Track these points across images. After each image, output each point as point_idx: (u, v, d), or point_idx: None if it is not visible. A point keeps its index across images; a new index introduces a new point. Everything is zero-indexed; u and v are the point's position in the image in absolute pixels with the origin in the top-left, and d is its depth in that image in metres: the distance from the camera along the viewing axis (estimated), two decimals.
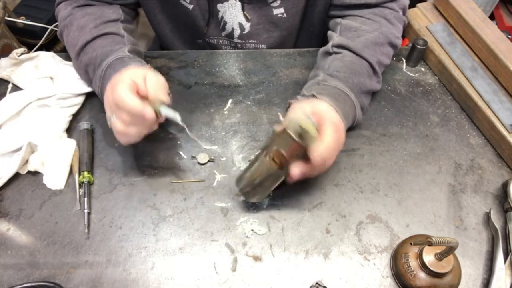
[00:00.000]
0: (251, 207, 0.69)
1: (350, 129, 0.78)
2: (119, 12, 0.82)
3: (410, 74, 0.89)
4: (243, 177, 0.64)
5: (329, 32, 0.84)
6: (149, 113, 0.60)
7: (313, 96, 0.69)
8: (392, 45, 0.80)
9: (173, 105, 0.80)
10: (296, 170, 0.60)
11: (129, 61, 0.71)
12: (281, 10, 0.86)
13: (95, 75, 0.73)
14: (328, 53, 0.80)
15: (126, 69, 0.65)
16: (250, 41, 0.94)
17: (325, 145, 0.59)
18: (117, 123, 0.62)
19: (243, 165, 0.74)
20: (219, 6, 0.86)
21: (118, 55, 0.72)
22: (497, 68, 0.81)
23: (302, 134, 0.56)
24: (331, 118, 0.62)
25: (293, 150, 0.58)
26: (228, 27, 0.91)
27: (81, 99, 0.81)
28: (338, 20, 0.84)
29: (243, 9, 0.86)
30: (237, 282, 0.62)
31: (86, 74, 0.77)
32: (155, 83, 0.63)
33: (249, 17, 0.87)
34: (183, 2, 0.86)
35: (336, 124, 0.62)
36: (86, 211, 0.67)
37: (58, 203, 0.69)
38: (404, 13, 0.84)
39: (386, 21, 0.80)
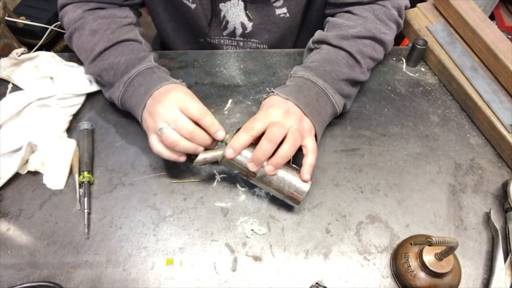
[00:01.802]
0: (251, 207, 0.69)
1: (350, 129, 0.79)
2: (130, 15, 0.81)
3: (410, 74, 0.89)
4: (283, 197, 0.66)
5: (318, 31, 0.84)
6: (221, 134, 0.64)
7: (273, 92, 0.70)
8: (377, 40, 0.78)
9: None
10: (267, 167, 0.63)
11: (158, 72, 0.72)
12: (284, 10, 0.86)
13: (118, 80, 0.73)
14: (310, 49, 0.81)
15: (169, 86, 0.67)
16: (251, 40, 0.94)
17: (266, 137, 0.62)
18: (173, 133, 0.62)
19: None
20: (221, 5, 0.86)
21: (147, 65, 0.72)
22: (497, 68, 0.81)
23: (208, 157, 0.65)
24: (273, 121, 0.64)
25: (235, 163, 0.64)
26: (230, 26, 0.91)
27: (81, 99, 0.81)
28: (328, 18, 0.84)
29: (245, 9, 0.86)
30: (237, 282, 0.62)
31: (99, 77, 0.77)
32: (201, 107, 0.65)
33: (251, 17, 0.87)
34: (186, 2, 0.86)
35: (277, 122, 0.64)
36: (86, 211, 0.67)
37: (58, 203, 0.69)
38: (399, 13, 0.83)
39: (374, 17, 0.79)
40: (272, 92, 0.70)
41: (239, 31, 0.91)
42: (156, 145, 0.64)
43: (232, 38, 0.94)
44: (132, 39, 0.77)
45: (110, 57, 0.74)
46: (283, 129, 0.63)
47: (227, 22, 0.90)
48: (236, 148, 0.62)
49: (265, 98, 0.71)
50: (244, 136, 0.62)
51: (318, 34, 0.80)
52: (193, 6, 0.87)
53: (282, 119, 0.64)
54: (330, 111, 0.73)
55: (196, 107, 0.63)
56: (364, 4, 0.81)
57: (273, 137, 0.62)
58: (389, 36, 0.80)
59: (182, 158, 0.66)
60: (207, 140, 0.64)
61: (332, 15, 0.85)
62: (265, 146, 0.61)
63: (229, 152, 0.62)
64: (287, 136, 0.63)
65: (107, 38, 0.75)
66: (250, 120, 0.65)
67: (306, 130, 0.66)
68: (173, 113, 0.62)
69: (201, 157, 0.64)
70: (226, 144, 0.64)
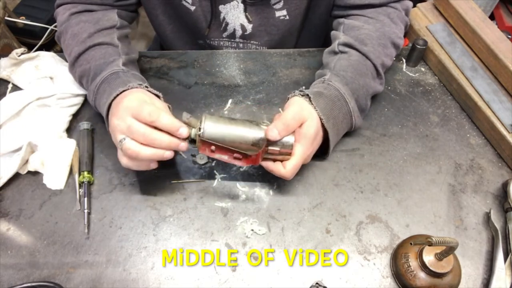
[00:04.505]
0: (251, 207, 0.69)
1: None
2: (114, 18, 0.80)
3: (410, 74, 0.89)
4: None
5: (333, 32, 0.83)
6: (185, 131, 0.59)
7: (308, 96, 0.68)
8: (395, 46, 0.80)
9: (173, 105, 0.80)
10: (264, 163, 0.65)
11: (123, 76, 0.70)
12: (284, 12, 0.86)
13: (89, 88, 0.73)
14: (334, 52, 0.79)
15: (124, 93, 0.64)
16: (251, 41, 0.94)
17: (295, 161, 0.64)
18: (133, 144, 0.59)
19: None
20: (221, 7, 0.86)
21: (112, 70, 0.70)
22: (497, 68, 0.81)
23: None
24: (307, 135, 0.65)
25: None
26: (230, 28, 0.91)
27: (80, 99, 0.81)
28: (341, 20, 0.83)
29: (245, 11, 0.86)
30: (237, 282, 0.62)
31: (80, 84, 0.78)
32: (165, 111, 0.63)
33: (251, 19, 0.87)
34: (185, 4, 0.86)
35: (310, 139, 0.65)
36: (86, 211, 0.67)
37: (58, 203, 0.69)
38: (407, 14, 0.84)
39: (389, 20, 0.80)
40: (307, 95, 0.68)
41: (238, 32, 0.91)
42: (121, 159, 0.62)
43: (232, 40, 0.94)
44: (106, 43, 0.75)
45: (84, 63, 0.74)
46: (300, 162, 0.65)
47: (227, 24, 0.90)
48: (281, 134, 0.62)
49: (295, 95, 0.69)
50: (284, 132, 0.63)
51: (344, 37, 0.78)
52: (192, 8, 0.86)
53: (309, 146, 0.65)
54: (347, 131, 0.75)
55: (147, 109, 0.58)
56: (376, 7, 0.81)
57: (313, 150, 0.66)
58: (402, 40, 0.82)
59: (153, 165, 0.63)
60: (170, 141, 0.59)
61: (341, 17, 0.85)
62: (292, 122, 0.63)
63: (274, 134, 0.61)
64: (294, 164, 0.64)
65: (82, 42, 0.74)
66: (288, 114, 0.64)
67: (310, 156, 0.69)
68: (126, 122, 0.59)
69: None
70: (195, 137, 0.62)
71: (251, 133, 0.62)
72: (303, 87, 0.71)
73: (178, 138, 0.60)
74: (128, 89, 0.65)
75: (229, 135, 0.61)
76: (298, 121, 0.64)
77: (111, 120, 0.63)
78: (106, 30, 0.78)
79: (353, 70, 0.74)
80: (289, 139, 0.64)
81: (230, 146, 0.61)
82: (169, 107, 0.70)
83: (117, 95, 0.65)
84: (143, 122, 0.59)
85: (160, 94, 0.69)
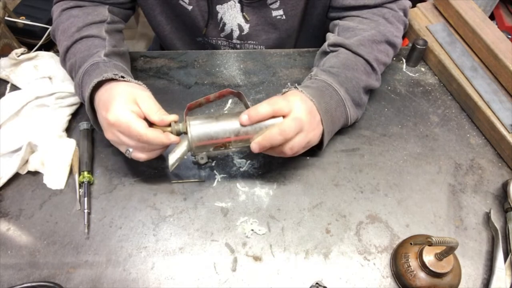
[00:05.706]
0: (251, 207, 0.69)
1: (350, 129, 0.79)
2: (105, 13, 0.79)
3: (410, 74, 0.89)
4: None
5: (328, 34, 0.84)
6: (175, 139, 0.63)
7: (296, 88, 0.69)
8: (390, 43, 0.79)
9: (173, 105, 0.80)
10: (253, 144, 0.63)
11: (103, 66, 0.69)
12: (280, 12, 0.86)
13: (75, 82, 0.73)
14: (325, 53, 0.80)
15: (110, 100, 0.63)
16: (249, 41, 0.94)
17: (281, 127, 0.61)
18: (139, 154, 0.64)
19: (243, 165, 0.74)
20: (218, 7, 0.86)
21: (93, 61, 0.70)
22: (497, 68, 0.81)
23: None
24: (294, 113, 0.63)
25: (209, 145, 0.65)
26: (227, 28, 0.91)
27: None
28: (337, 21, 0.83)
29: (242, 10, 0.86)
30: (237, 282, 0.62)
31: (72, 78, 0.77)
32: (150, 104, 0.64)
33: (248, 18, 0.87)
34: (183, 3, 0.86)
35: (298, 118, 0.63)
36: (86, 211, 0.67)
37: (58, 203, 0.69)
38: (405, 14, 0.84)
39: (384, 20, 0.80)
40: (296, 87, 0.69)
41: (236, 33, 0.91)
42: (138, 159, 0.65)
43: (229, 40, 0.94)
44: (93, 35, 0.75)
45: (71, 57, 0.74)
46: (298, 130, 0.62)
47: (224, 24, 0.90)
48: (253, 118, 0.61)
49: (286, 91, 0.70)
50: (265, 108, 0.61)
51: (334, 38, 0.79)
52: (189, 7, 0.87)
53: (303, 117, 0.63)
54: (343, 122, 0.74)
55: (135, 133, 0.60)
56: (371, 8, 0.81)
57: (286, 133, 0.61)
58: (400, 39, 0.81)
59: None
60: (160, 149, 0.65)
61: (337, 19, 0.85)
62: (275, 137, 0.61)
63: (244, 119, 0.61)
64: (293, 139, 0.62)
65: (70, 37, 0.74)
66: (274, 98, 0.63)
67: (311, 143, 0.67)
68: (120, 139, 0.62)
69: (171, 160, 0.63)
70: (186, 133, 0.63)
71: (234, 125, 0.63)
72: (288, 84, 0.71)
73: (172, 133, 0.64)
74: (103, 79, 0.65)
75: (218, 132, 0.63)
76: (281, 99, 0.64)
77: (106, 134, 0.65)
78: (95, 24, 0.77)
79: (340, 65, 0.74)
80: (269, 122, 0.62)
81: (223, 140, 0.63)
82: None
83: (93, 88, 0.65)
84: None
85: (140, 83, 0.68)
